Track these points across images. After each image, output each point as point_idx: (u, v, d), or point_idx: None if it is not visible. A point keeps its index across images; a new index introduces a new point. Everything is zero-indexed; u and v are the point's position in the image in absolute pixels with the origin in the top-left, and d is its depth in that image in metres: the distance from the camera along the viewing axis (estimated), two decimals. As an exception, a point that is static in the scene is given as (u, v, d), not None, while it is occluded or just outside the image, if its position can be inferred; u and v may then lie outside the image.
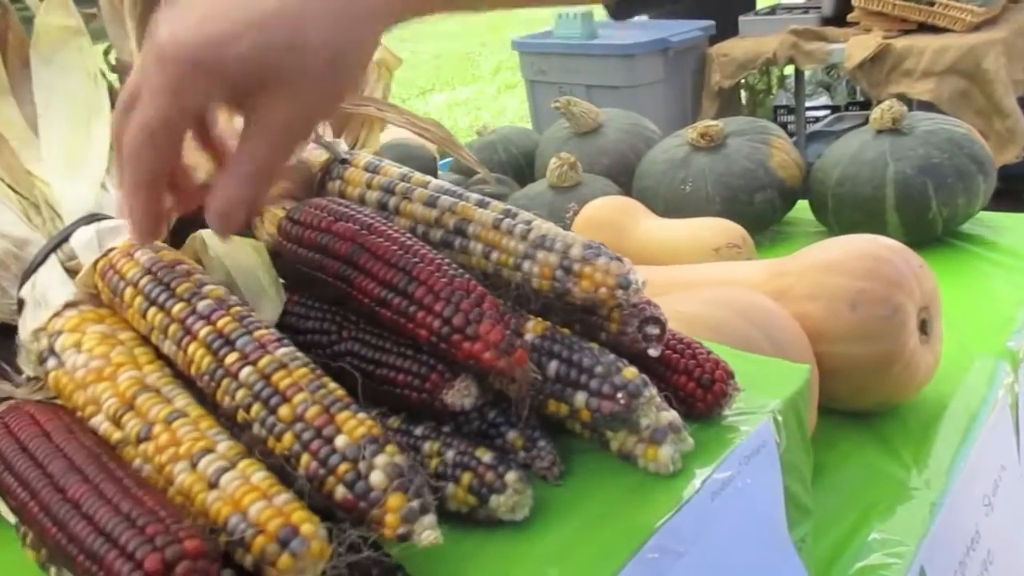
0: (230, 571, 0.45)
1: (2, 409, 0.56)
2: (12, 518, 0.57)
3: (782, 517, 0.66)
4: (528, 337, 0.59)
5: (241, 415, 0.51)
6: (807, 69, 3.15)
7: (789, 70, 3.38)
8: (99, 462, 0.48)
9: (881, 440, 0.96)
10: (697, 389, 0.63)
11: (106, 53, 0.81)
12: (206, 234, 0.64)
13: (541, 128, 3.40)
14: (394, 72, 0.88)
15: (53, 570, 0.53)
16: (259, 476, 0.48)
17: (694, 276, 1.10)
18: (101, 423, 0.53)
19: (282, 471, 0.49)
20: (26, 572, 0.55)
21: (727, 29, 3.18)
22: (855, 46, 2.79)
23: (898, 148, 1.34)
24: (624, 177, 1.63)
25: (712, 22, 3.17)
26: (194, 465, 0.48)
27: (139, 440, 0.50)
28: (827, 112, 4.10)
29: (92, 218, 0.61)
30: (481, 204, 0.64)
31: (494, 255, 0.62)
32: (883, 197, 1.33)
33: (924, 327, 0.94)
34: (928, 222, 1.32)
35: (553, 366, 0.58)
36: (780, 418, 0.65)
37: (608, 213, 1.38)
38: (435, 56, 7.12)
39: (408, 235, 0.61)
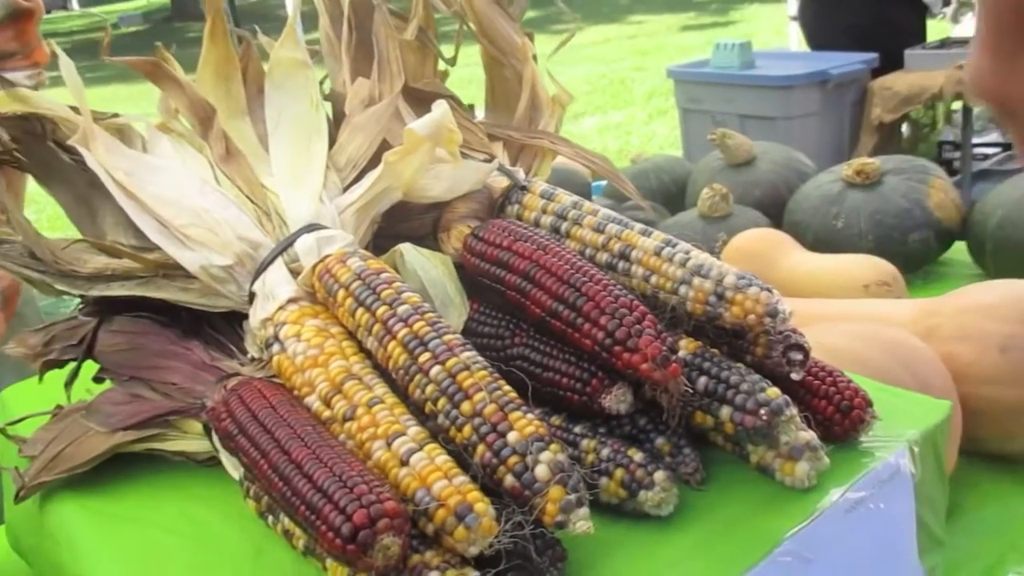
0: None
1: (234, 383, 0.67)
2: (235, 475, 0.68)
3: (913, 543, 0.70)
4: (681, 353, 0.66)
5: (429, 407, 0.60)
6: (976, 106, 3.04)
7: (957, 105, 3.26)
8: (316, 432, 0.58)
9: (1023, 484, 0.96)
10: (836, 414, 0.67)
11: (321, 82, 0.93)
12: (404, 248, 0.74)
13: (692, 156, 3.43)
14: (566, 108, 0.97)
15: (271, 518, 0.64)
16: (442, 459, 0.56)
17: (841, 310, 1.13)
18: (314, 402, 0.63)
19: (460, 457, 0.58)
20: (245, 521, 0.66)
21: (892, 62, 3.11)
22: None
23: (1064, 194, 1.32)
24: (775, 210, 1.66)
25: (875, 55, 3.10)
26: (389, 444, 0.57)
27: (345, 419, 0.60)
28: (997, 150, 3.91)
29: (312, 227, 0.72)
30: (644, 233, 0.71)
31: (653, 279, 0.69)
32: (1045, 243, 1.31)
33: (1076, 375, 0.94)
34: (1093, 271, 1.29)
35: (702, 381, 0.64)
36: (917, 449, 0.69)
37: (758, 244, 1.42)
38: (587, 80, 7.24)
39: (578, 256, 0.68)
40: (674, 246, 0.69)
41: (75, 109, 0.78)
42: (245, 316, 0.73)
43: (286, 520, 0.61)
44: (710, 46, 3.38)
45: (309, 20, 1.05)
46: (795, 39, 5.61)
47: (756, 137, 3.05)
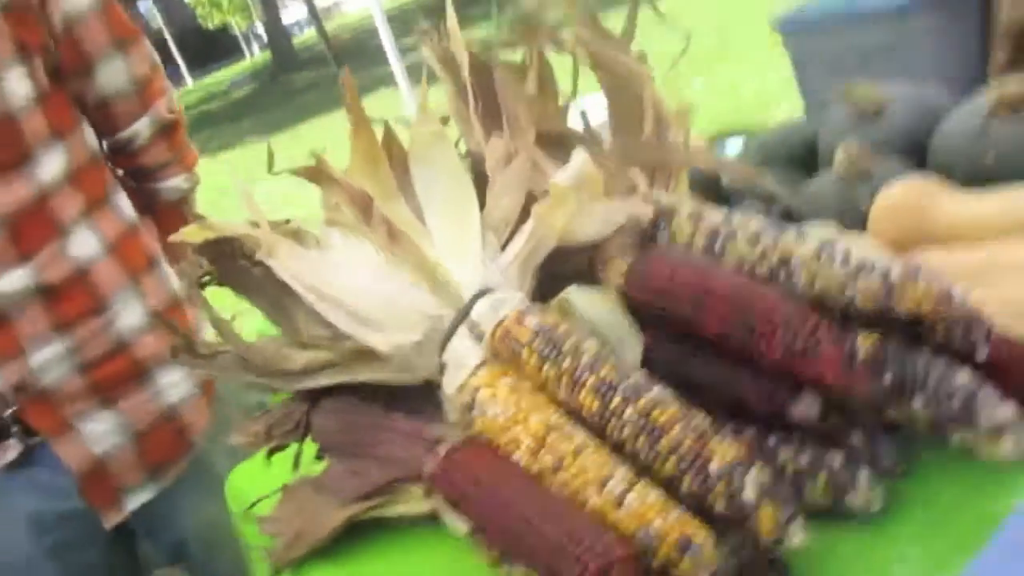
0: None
1: (446, 449, 0.74)
2: (462, 529, 0.74)
3: None
4: (861, 352, 0.67)
5: (628, 446, 0.64)
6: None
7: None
8: (534, 489, 0.63)
9: None
10: (1030, 384, 0.67)
11: (456, 143, 0.98)
12: (571, 293, 0.78)
13: (812, 107, 3.33)
14: (692, 117, 0.99)
15: (506, 567, 0.70)
16: (653, 496, 0.60)
17: (1016, 256, 1.09)
18: (522, 457, 0.68)
19: (667, 489, 0.62)
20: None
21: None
22: None
23: None
24: (916, 156, 1.60)
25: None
26: (602, 488, 0.62)
27: (555, 470, 0.65)
28: None
29: (484, 292, 0.78)
30: (799, 238, 0.73)
31: (819, 282, 0.70)
32: None
33: None
34: None
35: (888, 376, 0.66)
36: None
37: (909, 196, 1.37)
38: (686, 39, 7.12)
39: (740, 274, 0.71)
40: (833, 246, 0.71)
41: (255, 224, 0.87)
42: (438, 384, 0.80)
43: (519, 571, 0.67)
44: (808, -11, 3.28)
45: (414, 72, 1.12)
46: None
47: (880, 72, 2.94)
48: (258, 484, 1.00)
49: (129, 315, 1.35)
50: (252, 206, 0.84)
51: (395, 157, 0.95)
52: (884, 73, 2.73)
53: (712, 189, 1.73)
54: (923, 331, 0.69)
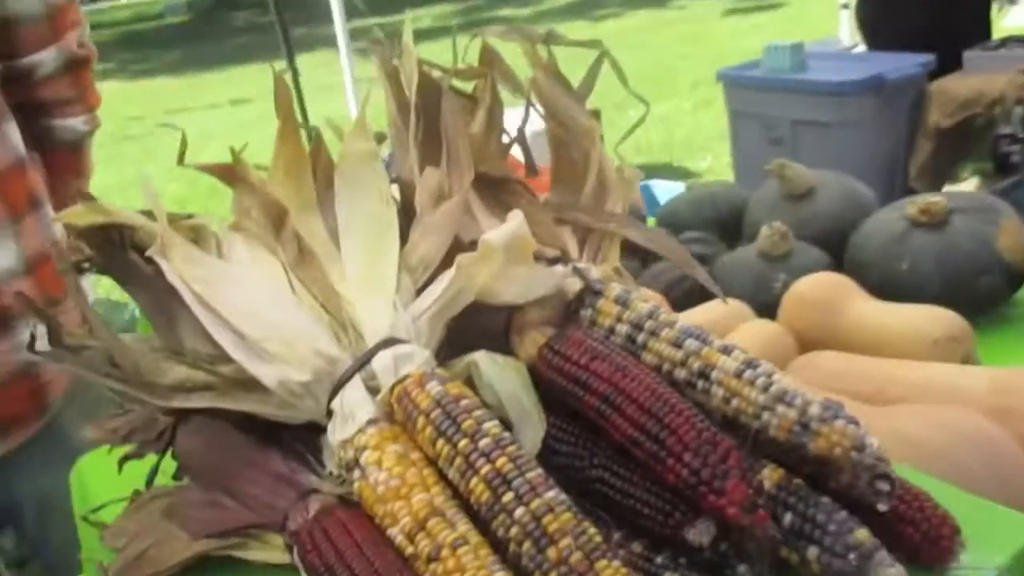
0: None
1: (318, 511, 0.68)
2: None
3: (1000, 668, 0.68)
4: (766, 485, 0.65)
5: (513, 547, 0.60)
6: (1039, 110, 2.95)
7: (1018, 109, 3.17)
8: (403, 578, 0.59)
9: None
10: (923, 542, 0.66)
11: (387, 166, 0.93)
12: (479, 358, 0.74)
13: (741, 161, 3.39)
14: (636, 185, 0.96)
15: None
16: (530, 608, 0.56)
17: (911, 376, 1.11)
18: (396, 535, 0.63)
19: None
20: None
21: (952, 63, 3.03)
22: (1096, 90, 2.60)
23: None
24: (835, 243, 1.63)
25: (932, 57, 3.03)
26: (476, 592, 0.58)
27: (429, 559, 0.60)
28: (1058, 145, 3.80)
29: (389, 342, 0.73)
30: (725, 351, 0.70)
31: (735, 402, 0.68)
32: (1124, 294, 1.27)
33: None
34: None
35: (788, 518, 0.64)
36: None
37: (821, 292, 1.39)
38: (631, 69, 7.17)
39: (658, 380, 0.68)
40: (756, 368, 0.68)
41: (150, 215, 0.80)
42: (322, 427, 0.74)
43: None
44: (756, 31, 3.35)
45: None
46: (846, 26, 5.49)
47: (809, 142, 3.01)
48: (107, 480, 0.92)
49: (1, 255, 1.23)
50: (153, 199, 0.76)
51: (321, 168, 0.88)
52: (815, 147, 2.81)
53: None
54: (828, 471, 0.67)
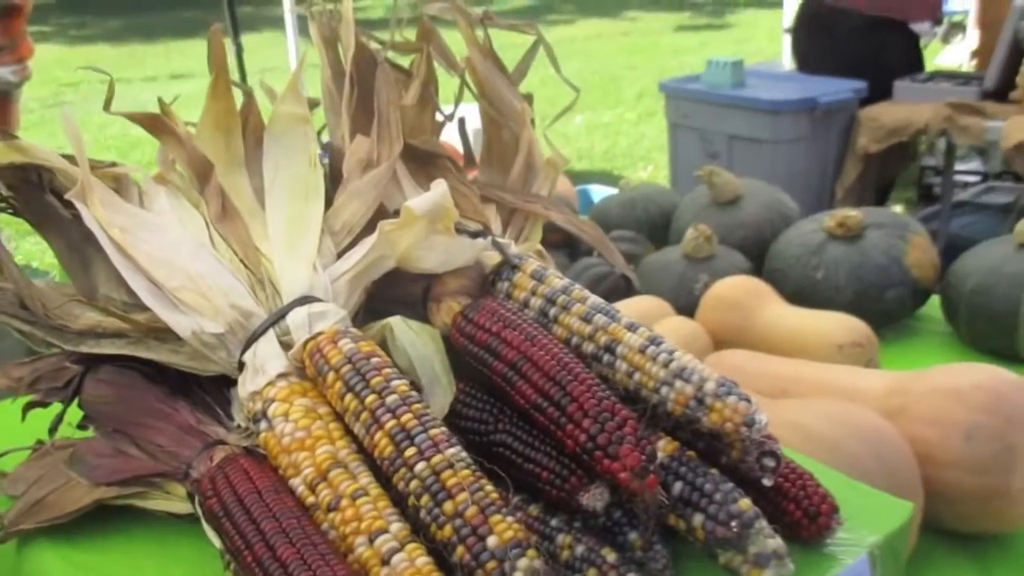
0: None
1: (221, 459, 0.68)
2: (217, 543, 0.69)
3: (869, 642, 0.72)
4: (659, 455, 0.68)
5: (412, 500, 0.61)
6: (961, 144, 3.08)
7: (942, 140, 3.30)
8: (301, 527, 0.60)
9: (981, 566, 1.00)
10: (803, 519, 0.70)
11: (319, 132, 0.93)
12: (394, 322, 0.75)
13: (678, 172, 3.45)
14: (561, 170, 0.98)
15: (250, 599, 0.65)
16: (422, 561, 0.58)
17: (814, 376, 1.15)
18: (299, 486, 0.64)
19: (440, 554, 0.59)
20: None
21: (883, 90, 3.14)
22: (1014, 127, 2.72)
23: (1039, 267, 1.35)
24: (758, 251, 1.68)
25: (864, 84, 3.13)
26: (371, 541, 0.59)
27: (329, 509, 0.62)
28: (978, 179, 3.97)
29: (305, 300, 0.73)
30: (631, 328, 0.73)
31: (636, 376, 0.70)
32: (1017, 314, 1.35)
33: (1037, 466, 0.97)
34: (1061, 345, 1.33)
35: (678, 487, 0.66)
36: (878, 552, 0.71)
37: (738, 294, 1.44)
38: (579, 76, 7.24)
39: (566, 350, 0.70)
40: (659, 344, 0.71)
41: (71, 159, 0.79)
42: (234, 380, 0.74)
43: (266, 605, 0.63)
44: (704, 48, 3.42)
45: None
46: (788, 49, 5.64)
47: (743, 158, 3.09)
48: (9, 429, 0.90)
49: None
50: (74, 136, 0.75)
51: (250, 128, 0.88)
52: (749, 162, 2.87)
53: (566, 234, 1.75)
54: (720, 446, 0.70)
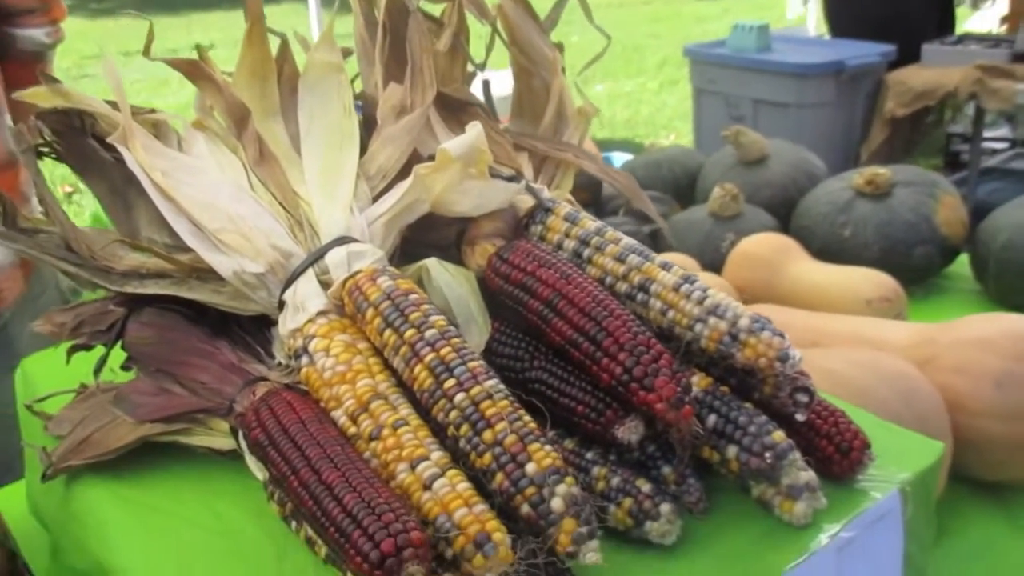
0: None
1: (264, 392, 0.70)
2: (260, 476, 0.71)
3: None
4: (693, 390, 0.69)
5: (451, 431, 0.63)
6: (990, 109, 3.04)
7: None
8: (344, 453, 0.61)
9: (1007, 513, 1.00)
10: (835, 454, 0.71)
11: (352, 80, 0.94)
12: (430, 263, 0.76)
13: (703, 138, 3.44)
14: (591, 118, 0.99)
15: (294, 524, 0.67)
16: (463, 486, 0.59)
17: (843, 328, 1.16)
18: (340, 417, 0.66)
19: (479, 482, 0.61)
20: (268, 521, 0.70)
21: (912, 53, 3.10)
22: (1045, 89, 2.69)
23: (1070, 222, 1.34)
24: (784, 210, 1.68)
25: (893, 47, 3.10)
26: (413, 468, 0.60)
27: (370, 438, 0.63)
28: (1006, 145, 3.92)
29: (343, 240, 0.75)
30: (665, 267, 0.73)
31: (671, 314, 0.71)
32: (1047, 269, 1.34)
33: (1067, 413, 0.97)
34: (1091, 299, 1.32)
35: (712, 419, 0.68)
36: (909, 489, 0.72)
37: (765, 250, 1.44)
38: (601, 45, 7.18)
39: (600, 288, 0.71)
40: (692, 283, 0.72)
41: (114, 105, 0.80)
42: (274, 320, 0.76)
43: (309, 528, 0.65)
44: (726, 15, 3.39)
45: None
46: (813, 13, 5.57)
47: (769, 122, 3.07)
48: (54, 377, 0.93)
49: None
50: (115, 83, 0.77)
51: (285, 77, 0.89)
52: (774, 127, 2.85)
53: (592, 193, 1.75)
54: (754, 382, 0.71)
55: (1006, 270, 1.39)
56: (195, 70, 0.83)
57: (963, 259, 1.57)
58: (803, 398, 0.69)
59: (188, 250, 0.77)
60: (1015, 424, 0.94)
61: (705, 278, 1.41)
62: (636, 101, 6.08)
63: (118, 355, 0.84)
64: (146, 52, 0.80)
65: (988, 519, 1.00)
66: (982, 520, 0.99)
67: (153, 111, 0.85)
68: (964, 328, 1.02)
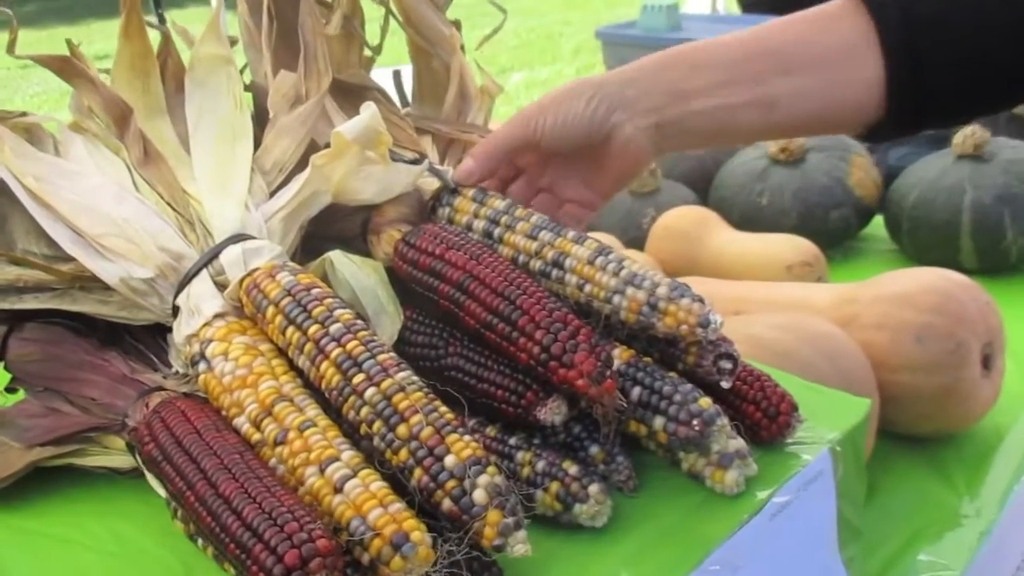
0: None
1: (157, 404, 0.65)
2: (162, 492, 0.66)
3: (834, 537, 0.73)
4: (615, 363, 0.66)
5: (364, 429, 0.59)
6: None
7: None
8: (244, 461, 0.57)
9: (936, 466, 1.01)
10: (763, 419, 0.69)
11: (241, 71, 0.89)
12: (334, 256, 0.72)
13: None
14: (495, 97, 0.96)
15: (200, 541, 0.63)
16: (377, 485, 0.56)
17: (766, 295, 1.15)
18: (243, 424, 0.61)
19: (396, 480, 0.57)
20: (174, 540, 0.65)
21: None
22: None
23: (978, 175, 1.36)
24: (702, 183, 1.68)
25: (799, 20, 3.15)
26: (322, 471, 0.56)
27: (276, 443, 0.59)
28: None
29: (238, 238, 0.70)
30: (578, 240, 0.71)
31: (587, 288, 0.69)
32: (958, 224, 1.36)
33: (986, 362, 0.98)
34: (1002, 251, 1.35)
35: (636, 392, 0.65)
36: (839, 448, 0.71)
37: (685, 223, 1.43)
38: (515, 33, 7.16)
39: (512, 266, 0.68)
40: (607, 255, 0.69)
41: (-22, 108, 0.74)
42: (170, 328, 0.71)
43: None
44: (639, 2, 3.38)
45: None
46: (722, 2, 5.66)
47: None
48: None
49: None
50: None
51: (170, 72, 0.84)
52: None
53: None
54: (677, 352, 0.69)
55: (919, 227, 1.41)
56: (67, 67, 0.77)
57: (878, 220, 1.59)
58: (727, 365, 0.67)
59: (70, 259, 0.71)
60: (937, 376, 0.95)
61: (629, 255, 1.41)
62: (553, 88, 6.08)
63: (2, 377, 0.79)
64: (10, 50, 0.74)
65: (918, 473, 1.00)
66: (912, 474, 1.00)
67: (24, 114, 0.78)
68: (882, 285, 1.03)
